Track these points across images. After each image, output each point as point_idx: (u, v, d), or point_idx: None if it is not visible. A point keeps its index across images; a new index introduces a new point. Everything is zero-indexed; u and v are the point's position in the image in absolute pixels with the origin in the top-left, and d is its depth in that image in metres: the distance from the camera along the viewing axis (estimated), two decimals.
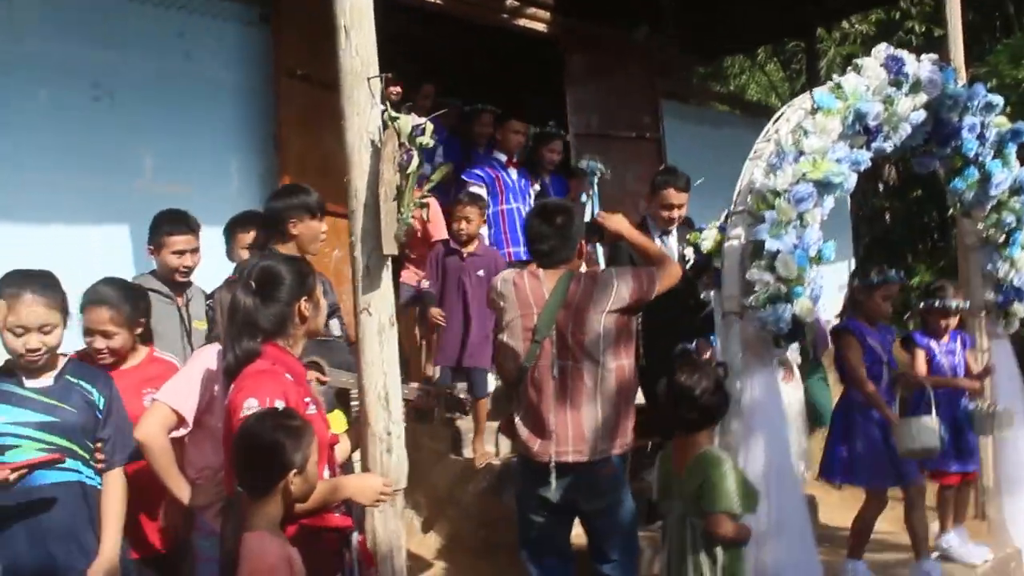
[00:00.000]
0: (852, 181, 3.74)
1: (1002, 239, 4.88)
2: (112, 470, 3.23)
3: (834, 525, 5.75)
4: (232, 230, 4.38)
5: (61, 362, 3.23)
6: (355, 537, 3.00)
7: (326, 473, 2.84)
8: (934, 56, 4.38)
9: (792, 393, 5.44)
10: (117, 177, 5.37)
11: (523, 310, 3.67)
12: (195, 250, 4.31)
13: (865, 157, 3.84)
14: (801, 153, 3.62)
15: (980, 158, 4.62)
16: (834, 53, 13.40)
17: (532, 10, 7.18)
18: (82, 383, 3.22)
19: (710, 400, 3.28)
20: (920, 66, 4.22)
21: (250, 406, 2.66)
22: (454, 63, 8.14)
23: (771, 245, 3.47)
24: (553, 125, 6.89)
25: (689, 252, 4.64)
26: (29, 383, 3.13)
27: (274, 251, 3.78)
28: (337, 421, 3.33)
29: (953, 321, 5.06)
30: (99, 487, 3.21)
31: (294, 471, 2.52)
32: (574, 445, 3.57)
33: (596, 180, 6.62)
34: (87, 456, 3.18)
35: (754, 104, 12.98)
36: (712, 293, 4.78)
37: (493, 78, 8.41)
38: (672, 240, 4.96)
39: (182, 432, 3.33)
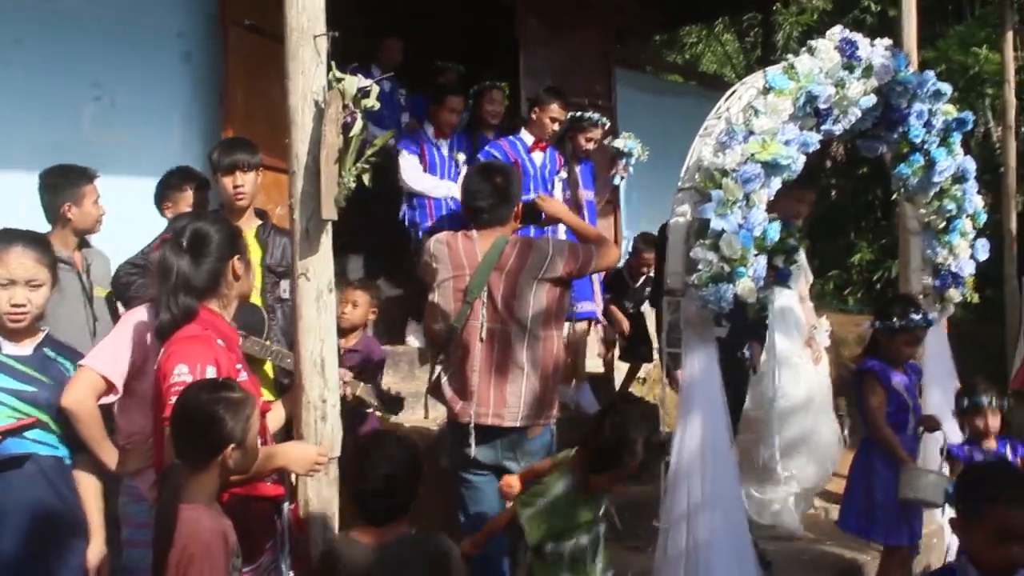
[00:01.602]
0: (800, 163, 3.74)
1: (942, 225, 4.94)
2: (83, 457, 3.15)
3: None
4: (165, 189, 4.27)
5: (41, 335, 3.13)
6: (286, 506, 2.97)
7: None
8: (887, 41, 4.38)
9: (821, 377, 5.45)
10: (55, 125, 5.20)
11: (456, 271, 3.68)
12: (95, 201, 4.17)
13: (814, 139, 3.84)
14: (751, 133, 3.61)
15: (926, 145, 4.65)
16: (790, 27, 13.46)
17: None
18: (60, 359, 3.14)
19: (648, 457, 3.16)
20: (873, 51, 4.21)
21: (180, 372, 2.60)
22: (407, 26, 7.99)
23: (716, 224, 3.47)
24: (595, 115, 6.19)
25: None
26: (7, 349, 3.02)
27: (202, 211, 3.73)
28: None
29: (994, 422, 4.49)
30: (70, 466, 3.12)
31: (232, 445, 2.47)
32: (495, 408, 3.62)
33: (633, 162, 6.35)
34: (60, 432, 3.08)
35: (709, 75, 13.00)
36: (771, 292, 4.63)
37: (449, 39, 8.30)
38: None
39: (112, 398, 3.23)
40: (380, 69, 6.38)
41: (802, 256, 5.22)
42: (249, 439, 2.53)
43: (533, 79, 7.21)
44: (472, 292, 3.63)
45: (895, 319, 4.38)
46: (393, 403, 3.95)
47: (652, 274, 6.54)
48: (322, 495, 3.11)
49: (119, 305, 4.20)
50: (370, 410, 3.97)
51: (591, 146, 6.16)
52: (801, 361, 5.35)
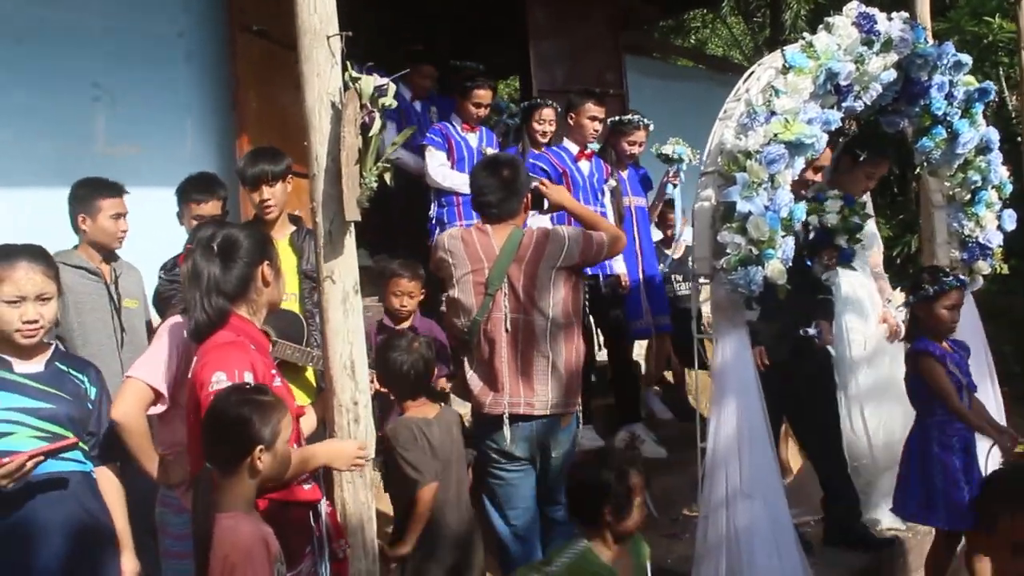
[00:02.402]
0: (823, 142, 3.70)
1: (968, 197, 4.88)
2: (106, 465, 3.14)
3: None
4: (186, 196, 4.24)
5: (50, 349, 3.08)
6: (324, 508, 2.95)
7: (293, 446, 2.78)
8: (904, 14, 4.33)
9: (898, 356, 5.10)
10: (69, 140, 5.18)
11: (474, 265, 3.68)
12: (126, 215, 4.15)
13: (836, 117, 3.80)
14: (772, 113, 3.57)
15: (948, 117, 4.59)
16: (798, 6, 13.34)
17: None
18: (72, 371, 3.08)
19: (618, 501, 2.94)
20: (891, 25, 4.17)
21: (219, 379, 2.60)
22: (416, 17, 7.99)
23: (742, 207, 3.43)
24: (637, 115, 5.97)
25: (813, 219, 4.49)
26: (19, 368, 2.96)
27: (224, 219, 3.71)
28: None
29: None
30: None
31: (260, 447, 2.45)
32: (525, 398, 3.63)
33: (684, 167, 6.20)
34: (86, 447, 3.06)
35: (717, 59, 12.92)
36: (834, 275, 4.71)
37: (455, 32, 8.28)
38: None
39: (160, 409, 3.22)
40: (411, 93, 6.35)
41: (871, 225, 5.19)
42: (279, 444, 2.51)
43: (544, 70, 7.19)
44: (493, 285, 3.65)
45: (928, 286, 4.25)
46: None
47: None
48: (358, 498, 3.09)
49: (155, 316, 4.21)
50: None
51: (636, 150, 5.95)
52: (873, 339, 5.10)
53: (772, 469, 3.61)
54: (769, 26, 11.87)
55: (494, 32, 8.01)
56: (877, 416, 5.00)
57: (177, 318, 3.23)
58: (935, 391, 4.14)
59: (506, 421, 3.62)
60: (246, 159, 4.00)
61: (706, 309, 4.14)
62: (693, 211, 3.78)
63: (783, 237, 3.51)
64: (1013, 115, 10.07)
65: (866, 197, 5.11)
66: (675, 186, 6.34)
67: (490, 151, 5.86)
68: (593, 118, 5.58)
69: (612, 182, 5.76)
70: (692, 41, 15.69)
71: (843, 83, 3.83)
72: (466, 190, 5.68)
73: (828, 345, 4.70)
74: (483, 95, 5.91)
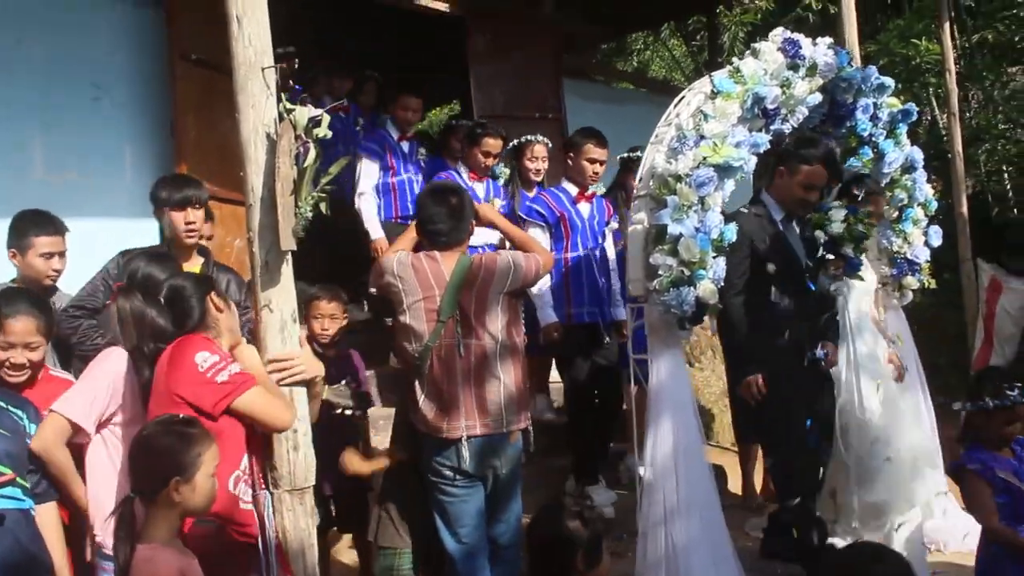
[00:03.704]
0: (752, 164, 3.80)
1: (895, 215, 5.04)
2: (47, 503, 3.15)
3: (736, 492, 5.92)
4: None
5: None
6: (270, 532, 2.97)
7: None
8: (829, 40, 4.47)
9: (909, 396, 5.09)
10: (6, 170, 5.13)
11: (425, 292, 3.74)
12: (62, 253, 4.03)
13: (764, 140, 3.91)
14: (701, 137, 3.67)
15: (873, 138, 4.75)
16: (735, 29, 13.62)
17: None
18: (10, 408, 3.12)
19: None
20: (816, 49, 4.30)
21: (204, 359, 2.83)
22: (354, 40, 8.03)
23: (673, 229, 3.52)
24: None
25: (820, 234, 4.50)
26: None
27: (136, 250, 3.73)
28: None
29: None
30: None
31: (177, 478, 2.47)
32: (482, 419, 3.71)
33: None
34: (25, 484, 3.06)
35: (658, 82, 13.12)
36: (842, 285, 4.69)
37: (398, 58, 8.32)
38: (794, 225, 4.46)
39: (82, 439, 3.21)
40: (397, 128, 6.11)
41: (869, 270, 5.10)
42: (199, 476, 2.53)
43: (484, 95, 7.23)
44: (445, 312, 3.71)
45: (988, 399, 3.78)
46: (362, 400, 4.05)
47: None
48: (299, 525, 3.11)
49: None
50: (338, 411, 3.99)
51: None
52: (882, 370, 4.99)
53: (709, 485, 3.68)
54: (707, 48, 12.10)
55: (435, 56, 8.07)
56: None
57: (116, 353, 3.23)
58: (975, 515, 3.79)
59: (464, 444, 3.69)
60: (168, 183, 4.04)
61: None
62: (626, 234, 3.86)
63: (714, 258, 3.59)
64: (943, 133, 10.36)
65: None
66: None
67: (498, 203, 5.75)
68: (593, 160, 5.34)
69: (614, 224, 5.57)
70: (635, 63, 15.90)
71: (770, 107, 3.94)
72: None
73: (833, 367, 4.63)
74: (493, 144, 5.68)
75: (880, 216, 5.02)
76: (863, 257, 4.81)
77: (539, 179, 5.86)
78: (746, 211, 4.31)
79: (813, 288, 4.44)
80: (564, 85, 7.94)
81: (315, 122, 3.13)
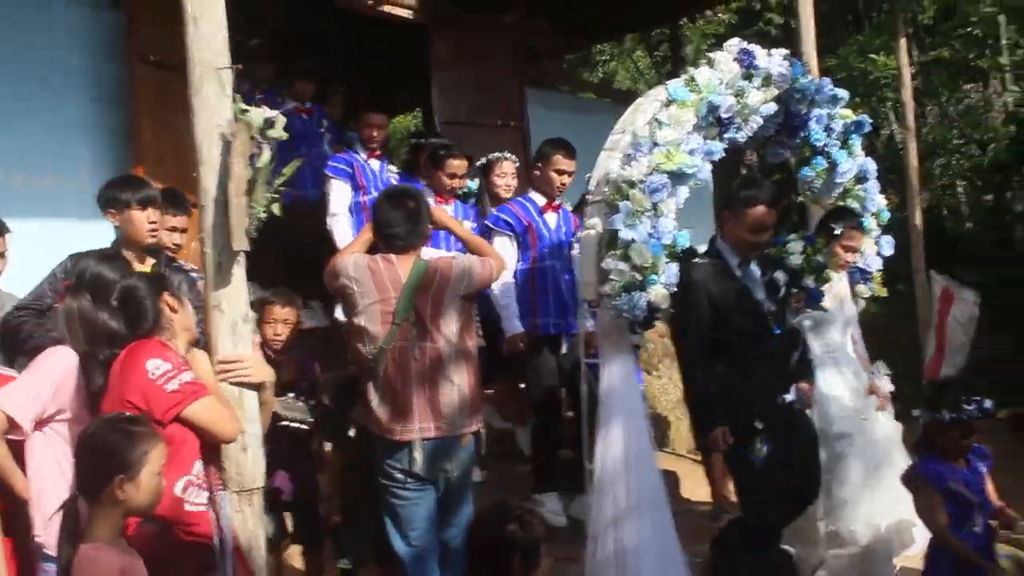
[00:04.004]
0: (706, 171, 3.86)
1: None
2: None
3: (695, 499, 5.96)
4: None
5: None
6: (228, 534, 2.96)
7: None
8: (784, 51, 4.53)
9: (887, 424, 4.94)
10: None
11: (381, 294, 3.77)
12: (2, 254, 3.99)
13: (718, 148, 3.96)
14: (655, 144, 3.72)
15: (827, 148, 4.80)
16: (698, 40, 13.76)
17: None
18: None
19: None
20: (771, 60, 4.36)
21: (156, 366, 2.81)
22: (317, 46, 8.01)
23: (626, 235, 3.56)
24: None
25: (781, 276, 4.39)
26: None
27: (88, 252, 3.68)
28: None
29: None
30: None
31: (121, 476, 2.46)
32: (435, 421, 3.76)
33: None
34: None
35: (623, 92, 13.20)
36: (804, 317, 4.65)
37: (363, 63, 8.32)
38: (753, 267, 4.33)
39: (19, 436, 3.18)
40: (364, 148, 6.06)
41: (844, 287, 5.06)
42: (144, 475, 2.52)
43: (446, 103, 7.26)
44: (400, 315, 3.75)
45: (945, 412, 3.84)
46: (304, 411, 4.07)
47: None
48: (247, 526, 3.10)
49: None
50: (283, 423, 4.00)
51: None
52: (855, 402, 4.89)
53: (659, 489, 3.71)
54: (671, 60, 12.21)
55: (398, 65, 8.07)
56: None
57: (63, 352, 3.20)
58: (924, 521, 3.93)
59: (418, 447, 3.73)
60: (124, 183, 4.04)
61: None
62: (580, 240, 3.89)
63: (667, 263, 3.63)
64: (900, 148, 10.54)
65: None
66: None
67: (467, 224, 5.64)
68: (561, 171, 5.31)
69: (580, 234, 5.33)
70: (600, 74, 16.01)
71: (724, 115, 3.99)
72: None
73: (810, 409, 4.51)
74: (458, 165, 5.63)
75: (858, 250, 5.00)
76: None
77: (508, 196, 5.82)
78: (702, 262, 4.22)
79: (778, 331, 4.31)
80: (527, 94, 7.99)
81: (270, 123, 3.14)
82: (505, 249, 5.07)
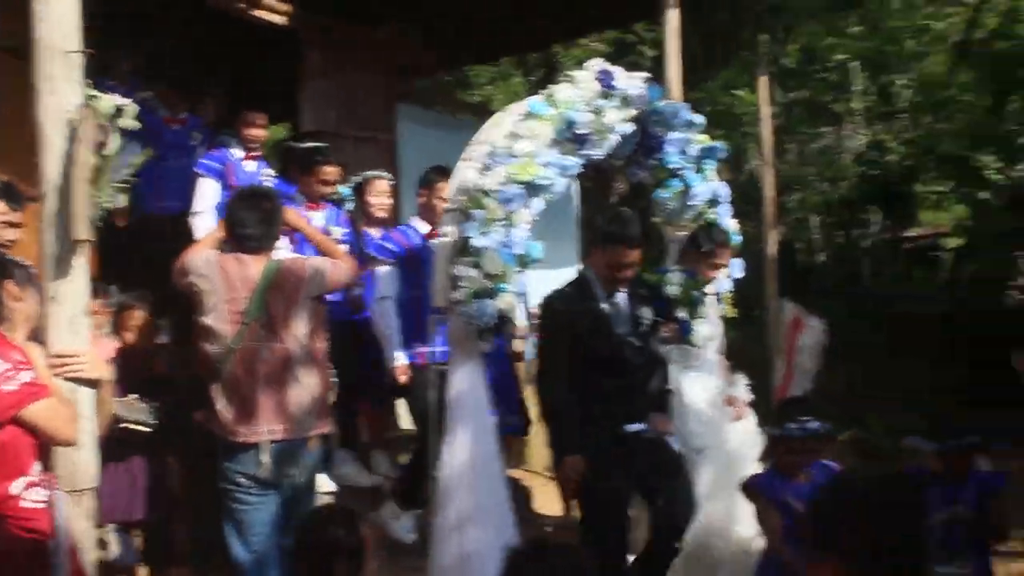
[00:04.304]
0: (561, 185, 3.95)
1: None
2: None
3: (546, 513, 6.04)
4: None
5: None
6: (63, 533, 2.87)
7: None
8: (644, 74, 4.69)
9: (743, 433, 4.99)
10: None
11: (231, 293, 3.74)
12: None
13: (574, 163, 4.07)
14: (512, 156, 3.79)
15: (682, 171, 4.97)
16: (572, 66, 14.04)
17: (271, 1, 7.01)
18: None
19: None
20: (630, 82, 4.51)
21: None
22: (186, 51, 7.82)
23: (478, 242, 3.61)
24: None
25: (647, 312, 4.33)
26: None
27: None
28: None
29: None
30: None
31: None
32: (283, 423, 3.74)
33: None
34: None
35: (494, 112, 13.34)
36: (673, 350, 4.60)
37: (232, 69, 8.16)
38: (622, 299, 4.34)
39: None
40: (242, 147, 5.87)
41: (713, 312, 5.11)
42: None
43: (316, 112, 7.20)
44: (250, 314, 3.73)
45: (791, 425, 3.90)
46: (146, 413, 3.99)
47: None
48: (79, 527, 3.02)
49: None
50: (124, 425, 3.89)
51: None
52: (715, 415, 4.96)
53: (502, 496, 3.75)
54: (544, 83, 12.43)
55: (267, 72, 7.96)
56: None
57: None
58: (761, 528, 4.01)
59: (265, 449, 3.70)
60: None
61: None
62: (435, 247, 3.93)
63: (517, 272, 3.70)
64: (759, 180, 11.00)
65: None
66: None
67: (338, 231, 5.54)
68: (445, 199, 4.91)
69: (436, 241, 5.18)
70: (478, 97, 16.16)
71: (581, 132, 4.10)
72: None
73: (666, 435, 4.46)
74: (330, 171, 5.49)
75: (726, 266, 5.10)
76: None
77: (382, 215, 5.72)
78: (566, 288, 4.28)
79: (637, 363, 4.32)
80: (398, 109, 8.00)
81: (120, 111, 3.09)
82: (388, 278, 4.99)
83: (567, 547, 2.33)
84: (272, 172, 6.07)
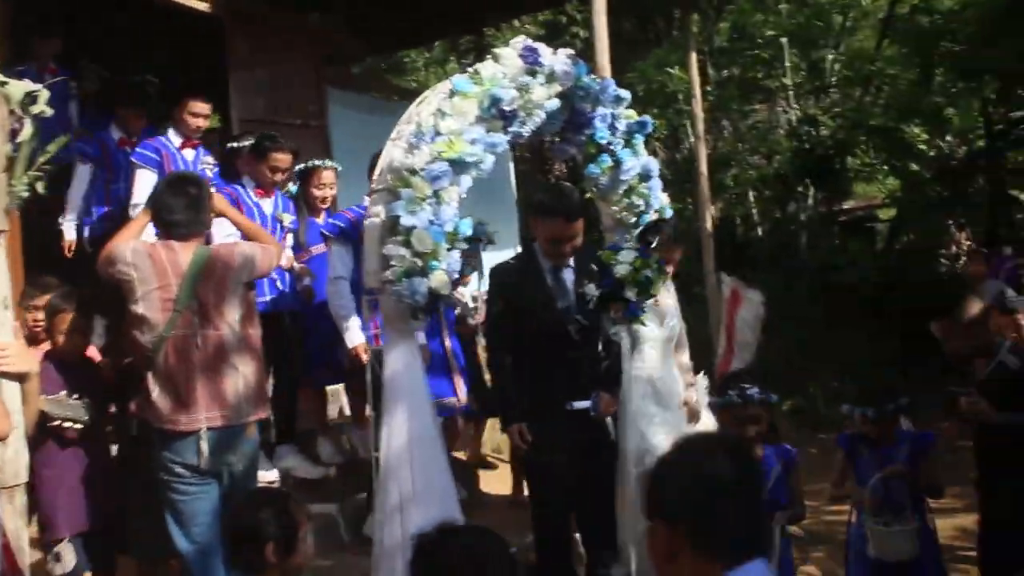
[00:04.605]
0: (489, 162, 3.92)
1: (633, 220, 5.28)
2: None
3: (494, 493, 6.08)
4: None
5: None
6: None
7: None
8: (569, 51, 4.67)
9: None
10: None
11: (161, 281, 3.70)
12: None
13: (502, 140, 4.04)
14: (438, 134, 3.77)
15: (612, 146, 4.97)
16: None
17: None
18: None
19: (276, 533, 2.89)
20: (555, 58, 4.49)
21: None
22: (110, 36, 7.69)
23: (407, 221, 3.59)
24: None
25: (591, 289, 4.32)
26: None
27: None
28: None
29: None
30: None
31: None
32: (221, 410, 3.73)
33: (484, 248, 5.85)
34: None
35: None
36: (622, 329, 4.48)
37: (158, 56, 8.01)
38: (568, 275, 4.36)
39: None
40: (180, 135, 5.77)
41: (672, 302, 5.00)
42: None
43: (245, 100, 7.11)
44: (182, 301, 3.70)
45: (733, 393, 4.11)
46: (78, 409, 3.89)
47: None
48: (11, 526, 2.96)
49: None
50: (56, 423, 3.81)
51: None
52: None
53: (445, 474, 3.74)
54: None
55: (195, 61, 7.82)
56: None
57: None
58: None
59: (203, 437, 3.68)
60: None
61: None
62: (364, 228, 3.90)
63: (448, 250, 3.68)
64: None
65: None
66: (474, 269, 5.97)
67: (287, 218, 5.53)
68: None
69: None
70: (413, 82, 16.08)
71: (508, 108, 4.07)
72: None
73: (608, 417, 4.41)
74: (282, 159, 5.44)
75: (675, 262, 5.01)
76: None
77: (326, 206, 5.67)
78: (511, 262, 4.30)
79: (580, 339, 4.30)
80: (329, 94, 7.93)
81: (32, 98, 3.02)
82: (341, 258, 4.91)
83: (479, 530, 2.26)
84: (212, 160, 6.00)
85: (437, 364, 5.30)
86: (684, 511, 1.78)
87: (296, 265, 5.45)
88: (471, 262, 5.84)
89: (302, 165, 5.72)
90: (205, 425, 3.69)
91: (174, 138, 5.81)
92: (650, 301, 4.72)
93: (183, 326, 3.71)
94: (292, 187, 5.87)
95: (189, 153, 5.84)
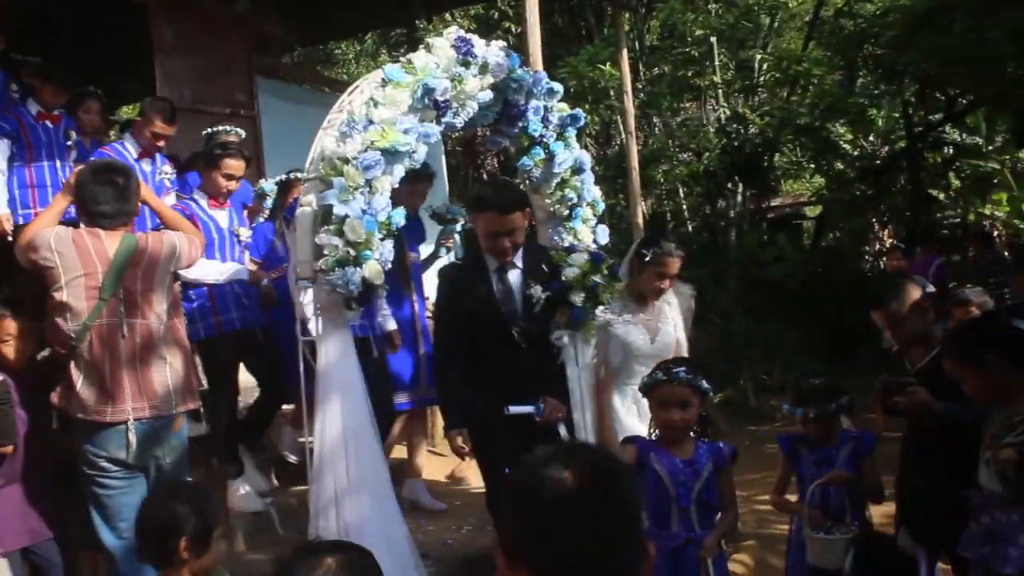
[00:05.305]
0: (422, 152, 3.92)
1: (566, 213, 5.31)
2: None
3: (433, 479, 6.19)
4: None
5: None
6: None
7: None
8: (502, 43, 4.68)
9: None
10: None
11: (87, 268, 3.63)
12: None
13: (435, 130, 4.04)
14: (371, 123, 3.74)
15: (544, 139, 4.99)
16: None
17: None
18: None
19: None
20: (488, 50, 4.49)
21: None
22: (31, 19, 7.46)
23: (339, 210, 3.57)
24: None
25: (537, 291, 4.12)
26: None
27: None
28: None
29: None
30: None
31: None
32: (148, 401, 3.66)
33: (459, 229, 5.86)
34: None
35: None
36: (564, 335, 4.33)
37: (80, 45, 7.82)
38: (514, 276, 4.15)
39: None
40: (136, 145, 5.56)
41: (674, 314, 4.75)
42: None
43: (172, 88, 6.98)
44: (107, 290, 3.63)
45: (659, 373, 3.75)
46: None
47: None
48: None
49: None
50: None
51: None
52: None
53: (379, 466, 3.73)
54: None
55: (116, 48, 7.65)
56: None
57: None
58: None
59: (130, 428, 3.60)
60: None
61: None
62: (296, 217, 3.86)
63: (381, 239, 3.66)
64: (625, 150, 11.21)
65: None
66: (449, 250, 5.94)
67: (244, 232, 5.34)
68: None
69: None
70: (345, 75, 15.94)
71: (440, 99, 4.07)
72: (224, 279, 4.99)
73: (559, 423, 4.09)
74: (235, 166, 5.20)
75: (671, 276, 4.65)
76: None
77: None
78: (458, 261, 4.20)
79: (524, 342, 4.09)
80: (259, 84, 7.83)
81: None
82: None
83: (344, 547, 2.08)
84: (170, 169, 5.82)
85: (407, 340, 5.40)
86: (519, 543, 1.45)
87: (264, 281, 5.24)
88: (446, 244, 5.95)
89: (282, 176, 5.59)
90: (132, 416, 3.61)
91: (131, 148, 5.57)
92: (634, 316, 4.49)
93: (109, 315, 3.64)
94: (267, 185, 5.78)
95: (147, 164, 5.59)
